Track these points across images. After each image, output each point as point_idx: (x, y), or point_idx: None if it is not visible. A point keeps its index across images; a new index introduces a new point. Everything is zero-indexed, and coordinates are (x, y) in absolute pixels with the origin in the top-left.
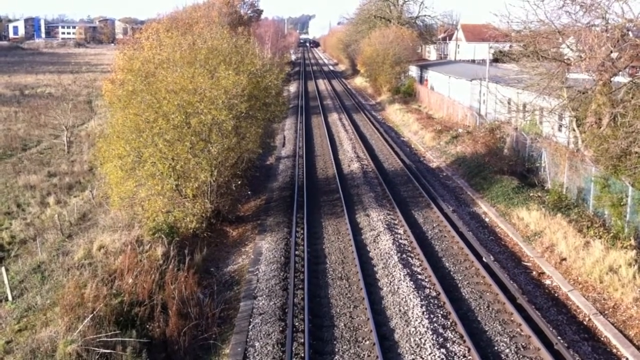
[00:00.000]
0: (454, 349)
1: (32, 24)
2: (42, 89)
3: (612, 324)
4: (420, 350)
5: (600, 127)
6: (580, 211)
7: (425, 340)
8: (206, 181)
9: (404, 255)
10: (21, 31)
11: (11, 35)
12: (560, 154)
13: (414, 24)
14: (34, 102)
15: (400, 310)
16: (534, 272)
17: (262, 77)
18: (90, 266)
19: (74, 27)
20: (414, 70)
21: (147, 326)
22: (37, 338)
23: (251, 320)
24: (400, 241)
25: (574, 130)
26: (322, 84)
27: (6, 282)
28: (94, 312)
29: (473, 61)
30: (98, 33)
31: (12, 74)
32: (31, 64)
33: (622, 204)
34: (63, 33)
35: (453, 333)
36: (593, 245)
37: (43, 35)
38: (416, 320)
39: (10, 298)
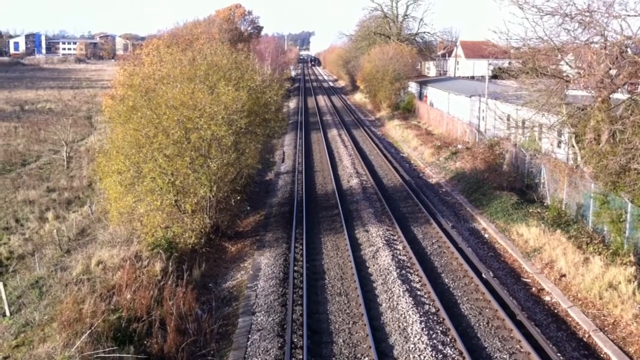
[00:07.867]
0: None
1: (32, 39)
2: (42, 104)
3: (612, 341)
4: None
5: (599, 144)
6: (580, 227)
7: (425, 357)
8: (205, 196)
9: (403, 271)
10: (22, 47)
11: (12, 51)
12: (559, 170)
13: (413, 41)
14: (33, 118)
15: (399, 327)
16: (534, 289)
17: (261, 93)
18: (89, 282)
19: (74, 43)
20: (413, 87)
21: (145, 342)
22: (34, 354)
23: (249, 336)
24: (399, 257)
25: (573, 146)
26: (322, 100)
27: (4, 297)
28: (92, 328)
29: (472, 77)
30: (98, 49)
31: (13, 90)
32: (31, 79)
33: (621, 220)
34: (64, 49)
35: (452, 350)
36: (592, 261)
37: (44, 51)
38: (415, 336)
39: (7, 313)
